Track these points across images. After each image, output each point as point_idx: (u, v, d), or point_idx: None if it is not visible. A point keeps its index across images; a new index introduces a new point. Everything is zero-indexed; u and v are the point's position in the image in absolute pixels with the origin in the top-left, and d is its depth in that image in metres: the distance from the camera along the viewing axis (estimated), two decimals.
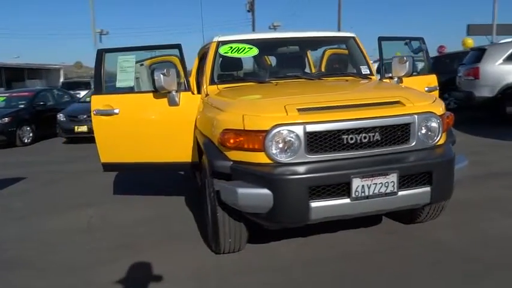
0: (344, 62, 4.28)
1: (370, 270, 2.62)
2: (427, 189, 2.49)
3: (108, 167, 3.92)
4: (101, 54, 3.82)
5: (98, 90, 3.83)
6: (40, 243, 3.47)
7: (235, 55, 3.60)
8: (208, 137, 2.82)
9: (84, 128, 9.23)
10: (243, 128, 2.46)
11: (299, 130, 2.38)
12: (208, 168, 2.78)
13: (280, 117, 2.41)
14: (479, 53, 8.06)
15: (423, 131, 2.57)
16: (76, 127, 9.30)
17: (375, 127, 2.47)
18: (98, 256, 3.12)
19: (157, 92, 3.53)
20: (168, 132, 3.61)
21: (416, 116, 2.53)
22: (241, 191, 2.37)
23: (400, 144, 2.54)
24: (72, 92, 13.22)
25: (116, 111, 3.70)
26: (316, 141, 2.41)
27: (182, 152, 3.63)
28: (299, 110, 2.46)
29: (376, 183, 2.38)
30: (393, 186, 2.41)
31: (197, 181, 3.86)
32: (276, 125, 2.38)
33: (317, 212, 2.35)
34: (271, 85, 3.31)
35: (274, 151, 2.40)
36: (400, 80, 3.72)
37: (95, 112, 3.77)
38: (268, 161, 2.42)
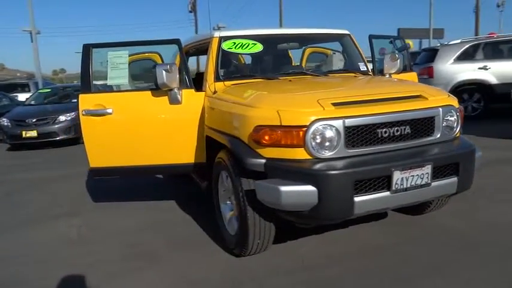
0: (324, 60, 4.34)
1: (400, 261, 2.67)
2: (455, 179, 2.58)
3: (98, 172, 3.61)
4: (87, 49, 3.51)
5: (86, 89, 3.51)
6: (32, 259, 3.10)
7: (240, 51, 3.50)
8: (232, 134, 2.69)
9: (33, 133, 8.51)
10: (279, 124, 2.38)
11: (339, 125, 2.36)
12: (234, 167, 2.67)
13: (318, 112, 2.37)
14: (432, 53, 8.64)
15: (446, 124, 2.67)
16: (24, 132, 8.52)
17: (406, 120, 2.52)
18: (105, 270, 2.85)
19: (158, 89, 3.33)
20: (169, 133, 3.41)
21: (440, 109, 2.62)
22: (285, 189, 2.29)
23: (427, 137, 2.61)
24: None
25: (109, 111, 3.42)
26: (354, 136, 2.41)
27: (184, 153, 3.44)
28: (334, 104, 2.43)
29: (413, 175, 2.42)
30: (427, 177, 2.47)
31: (198, 183, 3.68)
32: (315, 120, 2.33)
33: (360, 206, 2.33)
34: (284, 81, 3.26)
35: (314, 146, 2.35)
36: (390, 76, 3.85)
37: (83, 112, 3.45)
38: (308, 157, 2.37)
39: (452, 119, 2.69)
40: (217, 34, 3.51)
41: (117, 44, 3.59)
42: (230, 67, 3.61)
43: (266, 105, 2.53)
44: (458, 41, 8.49)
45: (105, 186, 5.06)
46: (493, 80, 8.00)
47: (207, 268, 2.76)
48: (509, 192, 3.86)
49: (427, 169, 2.46)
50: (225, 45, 3.45)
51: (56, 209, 4.31)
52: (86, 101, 3.48)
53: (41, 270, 2.92)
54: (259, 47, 3.51)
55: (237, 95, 2.94)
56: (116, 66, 3.50)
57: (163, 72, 3.18)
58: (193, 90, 3.39)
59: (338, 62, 3.99)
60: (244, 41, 3.48)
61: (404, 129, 2.52)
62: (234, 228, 2.84)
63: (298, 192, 2.29)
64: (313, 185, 2.27)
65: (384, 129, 2.46)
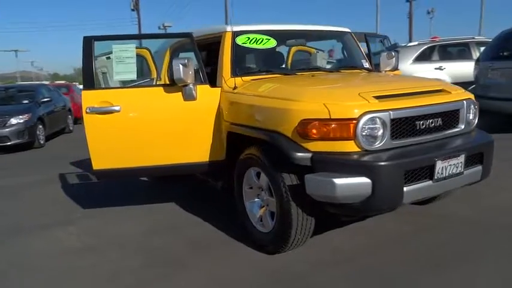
0: (309, 58, 4.43)
1: (429, 249, 2.78)
2: (480, 168, 2.76)
3: (103, 174, 3.37)
4: (89, 42, 3.28)
5: (89, 85, 3.27)
6: (41, 272, 2.81)
7: (254, 46, 3.45)
8: (271, 129, 2.64)
9: None
10: (329, 117, 2.39)
11: (385, 117, 2.42)
12: (272, 162, 2.63)
13: (366, 105, 2.42)
14: None
15: (468, 116, 2.84)
16: None
17: (439, 112, 2.65)
18: (129, 280, 2.66)
19: (172, 85, 3.19)
20: (183, 130, 3.28)
21: (464, 102, 2.80)
22: (340, 181, 2.30)
23: (453, 129, 2.77)
24: None
25: (117, 108, 3.22)
26: (397, 128, 2.48)
27: (199, 151, 3.32)
28: (376, 98, 2.49)
29: (451, 165, 2.55)
30: (461, 166, 2.61)
31: (214, 182, 3.57)
32: (365, 113, 2.37)
33: (408, 195, 2.41)
34: (307, 76, 3.27)
35: (364, 139, 2.39)
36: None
37: (88, 110, 3.21)
38: (357, 149, 2.40)
39: (472, 111, 2.88)
40: (229, 29, 3.44)
41: (121, 37, 3.40)
42: (245, 62, 3.55)
43: (311, 98, 2.53)
44: (416, 43, 9.08)
45: (84, 192, 4.75)
46: (447, 79, 8.64)
47: (239, 268, 2.68)
48: (504, 178, 4.13)
49: (461, 158, 2.60)
50: (239, 40, 3.39)
51: (43, 218, 3.94)
52: (90, 98, 3.24)
53: (58, 284, 2.66)
54: (273, 43, 3.49)
55: (268, 89, 2.89)
56: (122, 60, 3.30)
57: (181, 66, 3.05)
58: (208, 85, 3.29)
59: (322, 60, 4.09)
60: (258, 36, 3.44)
61: (437, 121, 2.65)
62: (269, 225, 2.80)
63: (352, 185, 2.31)
64: (367, 177, 2.30)
65: (422, 121, 2.57)
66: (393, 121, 2.45)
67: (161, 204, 4.05)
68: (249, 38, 3.41)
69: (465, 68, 8.31)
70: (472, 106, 2.87)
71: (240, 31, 3.43)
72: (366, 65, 3.92)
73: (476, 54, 8.73)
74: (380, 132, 2.42)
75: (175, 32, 3.86)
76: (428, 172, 2.48)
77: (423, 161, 2.44)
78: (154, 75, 4.57)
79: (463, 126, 2.80)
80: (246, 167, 2.95)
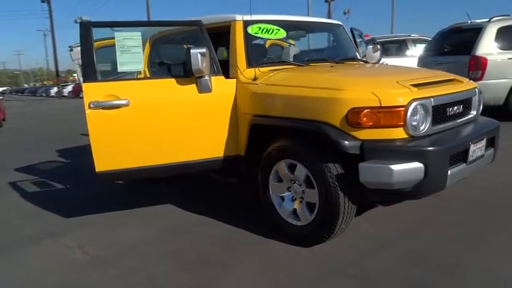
0: (281, 52, 4.50)
1: (455, 228, 2.96)
2: (492, 150, 3.02)
3: (108, 176, 3.04)
4: (87, 28, 2.95)
5: (91, 77, 2.94)
6: None
7: (266, 36, 3.37)
8: (314, 119, 2.60)
9: None
10: (379, 105, 2.42)
11: (429, 104, 2.53)
12: (314, 153, 2.61)
13: (410, 92, 2.50)
14: None
15: (478, 103, 3.09)
16: None
17: (462, 100, 2.84)
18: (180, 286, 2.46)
19: (186, 76, 3.00)
20: (197, 125, 3.10)
21: (476, 90, 3.03)
22: (396, 167, 2.34)
23: (468, 115, 2.98)
24: None
25: (125, 102, 2.93)
26: (436, 114, 2.61)
27: (215, 147, 3.16)
28: (414, 86, 2.59)
29: (477, 148, 2.75)
30: (483, 149, 2.84)
31: (223, 179, 3.41)
32: (412, 100, 2.45)
33: (450, 178, 2.54)
34: (326, 66, 3.28)
35: (412, 125, 2.46)
36: None
37: (91, 105, 2.89)
38: (405, 136, 2.47)
39: (480, 99, 3.13)
40: (239, 18, 3.31)
41: (122, 24, 3.08)
42: (259, 53, 3.44)
43: (358, 87, 2.54)
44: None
45: (52, 200, 4.26)
46: None
47: (287, 263, 2.61)
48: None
49: (484, 142, 2.82)
50: (252, 30, 3.28)
51: (24, 229, 3.44)
52: (93, 91, 2.91)
53: None
54: (283, 33, 3.44)
55: (303, 80, 2.85)
56: (127, 49, 3.01)
57: (199, 56, 2.88)
58: (223, 77, 3.14)
59: (294, 53, 4.17)
60: (269, 26, 3.36)
61: (460, 107, 2.84)
62: (307, 218, 2.76)
63: (408, 170, 2.36)
64: (420, 162, 2.38)
65: (451, 108, 2.74)
66: (433, 108, 2.57)
67: (158, 206, 3.79)
68: (260, 28, 3.32)
69: (403, 64, 9.02)
70: (479, 94, 3.13)
71: (251, 20, 3.32)
72: (359, 57, 4.06)
73: (412, 50, 9.53)
74: (424, 118, 2.52)
75: (183, 20, 3.54)
76: (463, 155, 2.65)
77: (462, 145, 2.60)
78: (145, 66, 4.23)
79: (474, 113, 3.03)
80: (276, 160, 2.88)
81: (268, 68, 3.21)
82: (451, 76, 3.07)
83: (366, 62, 3.98)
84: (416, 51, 9.19)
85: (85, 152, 6.79)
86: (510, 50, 6.44)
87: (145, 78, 3.10)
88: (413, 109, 2.45)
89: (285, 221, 2.92)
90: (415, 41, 9.47)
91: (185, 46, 3.21)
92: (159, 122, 3.03)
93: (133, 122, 2.98)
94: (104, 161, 2.99)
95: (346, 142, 2.46)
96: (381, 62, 4.34)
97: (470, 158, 2.69)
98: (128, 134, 2.99)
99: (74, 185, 4.81)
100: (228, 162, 3.23)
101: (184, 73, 3.03)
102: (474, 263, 2.47)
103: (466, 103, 2.91)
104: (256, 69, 3.15)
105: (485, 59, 6.30)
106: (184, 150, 3.11)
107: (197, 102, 3.07)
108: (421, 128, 2.51)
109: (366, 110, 2.43)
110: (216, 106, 3.11)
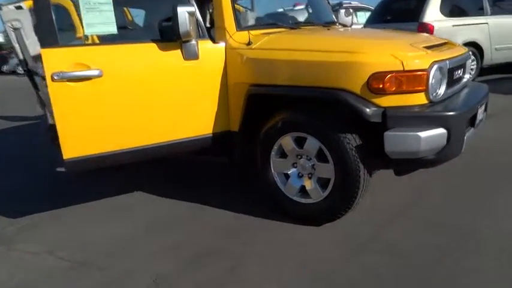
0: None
1: (471, 187, 3.02)
2: (485, 114, 3.10)
3: (78, 164, 2.57)
4: None
5: (51, 41, 2.42)
6: None
7: None
8: (328, 87, 2.40)
9: None
10: (402, 69, 2.30)
11: (445, 67, 2.47)
12: (329, 123, 2.44)
13: (429, 55, 2.41)
14: None
15: (470, 67, 3.13)
16: None
17: (463, 63, 2.84)
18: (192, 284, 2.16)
19: (174, 40, 2.61)
20: (183, 97, 2.74)
21: (470, 53, 3.07)
22: (424, 134, 2.26)
23: (464, 79, 3.00)
24: None
25: (97, 72, 2.48)
26: (448, 78, 2.56)
27: (203, 122, 2.84)
28: (427, 48, 2.52)
29: (481, 112, 2.79)
30: (484, 113, 2.89)
31: (212, 159, 3.09)
32: (433, 63, 2.36)
33: (465, 144, 2.54)
34: (323, 29, 3.07)
35: (433, 90, 2.39)
36: None
37: (56, 77, 2.39)
38: (425, 101, 2.38)
39: (471, 63, 3.18)
40: None
41: None
42: (246, 15, 3.11)
43: (378, 50, 2.38)
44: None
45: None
46: None
47: (307, 247, 2.43)
48: None
49: (484, 106, 2.87)
50: None
51: None
52: (55, 60, 2.41)
53: None
54: None
55: (312, 43, 2.62)
56: (94, 7, 2.51)
57: (187, 16, 2.50)
58: (210, 41, 2.79)
59: (251, 19, 3.96)
60: None
61: (461, 71, 2.85)
62: (319, 194, 2.60)
63: (434, 137, 2.29)
64: (443, 127, 2.32)
65: (456, 71, 2.72)
66: (449, 71, 2.52)
67: (135, 195, 3.37)
68: None
69: None
70: (471, 58, 3.17)
71: None
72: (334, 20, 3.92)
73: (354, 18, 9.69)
74: (441, 82, 2.46)
75: None
76: (472, 120, 2.66)
77: (474, 109, 2.60)
78: (80, 32, 3.64)
79: (468, 76, 3.07)
80: (280, 134, 2.65)
81: (260, 31, 2.92)
82: (445, 40, 3.06)
83: (346, 26, 3.85)
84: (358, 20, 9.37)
85: (20, 132, 5.93)
86: (454, 17, 6.81)
87: (121, 42, 2.62)
88: (435, 72, 2.37)
89: (291, 200, 2.73)
90: (355, 9, 9.63)
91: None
92: (138, 95, 2.61)
93: (108, 97, 2.53)
94: (74, 145, 2.52)
95: (368, 110, 2.31)
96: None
97: (477, 122, 2.72)
98: (103, 111, 2.54)
99: (11, 176, 4.11)
100: (217, 140, 2.93)
101: (168, 36, 2.63)
102: (489, 226, 2.53)
103: (464, 66, 2.92)
104: (248, 32, 2.84)
105: (433, 26, 6.58)
106: (170, 129, 2.74)
107: (182, 71, 2.70)
108: (439, 92, 2.46)
109: (390, 75, 2.29)
110: (203, 75, 2.76)
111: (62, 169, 2.58)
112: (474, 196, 2.95)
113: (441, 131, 2.32)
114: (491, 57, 7.04)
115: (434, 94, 2.40)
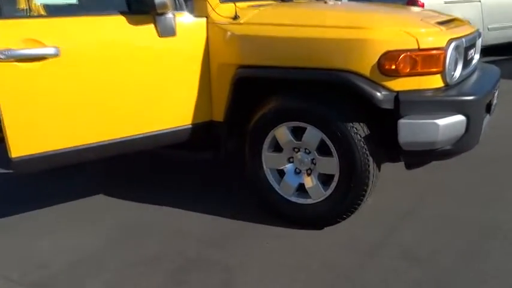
0: None
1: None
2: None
3: (29, 164, 2.34)
4: None
5: None
6: None
7: None
8: (332, 68, 2.30)
9: None
10: (417, 47, 2.22)
11: (462, 45, 2.40)
12: (334, 112, 2.34)
13: (444, 32, 2.33)
14: None
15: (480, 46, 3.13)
16: None
17: (475, 42, 2.83)
18: None
19: (147, 12, 2.45)
20: (158, 83, 2.55)
21: (480, 32, 3.06)
22: (442, 122, 2.17)
23: (475, 59, 3.00)
24: None
25: (52, 51, 2.26)
26: (464, 57, 2.53)
27: (182, 112, 2.66)
28: (439, 24, 2.47)
29: (495, 97, 2.78)
30: (496, 96, 2.89)
31: (190, 155, 2.92)
32: (450, 40, 2.26)
33: (483, 132, 2.52)
34: (320, 2, 2.97)
35: (449, 71, 2.28)
36: None
37: (1, 56, 2.15)
38: (442, 84, 2.29)
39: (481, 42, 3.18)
40: None
41: None
42: None
43: (388, 26, 2.27)
44: None
45: None
46: None
47: (312, 253, 2.32)
48: None
49: (497, 88, 2.88)
50: None
51: None
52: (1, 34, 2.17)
53: None
54: None
55: (311, 18, 2.49)
56: None
57: None
58: (190, 15, 2.63)
59: None
60: None
61: (474, 50, 2.83)
62: (320, 193, 2.49)
63: (452, 124, 2.19)
64: (462, 114, 2.24)
65: (470, 51, 2.70)
66: (464, 50, 2.49)
67: (93, 200, 3.12)
68: None
69: None
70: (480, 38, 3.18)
71: None
72: None
73: None
74: (458, 62, 2.41)
75: None
76: (488, 106, 2.64)
77: (491, 94, 2.57)
78: (23, 4, 3.37)
79: (478, 57, 3.08)
80: (274, 123, 2.53)
81: (248, 3, 2.78)
82: (453, 16, 3.04)
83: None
84: None
85: None
86: None
87: (82, 14, 2.41)
88: (452, 51, 2.31)
89: (287, 200, 2.59)
90: None
91: None
92: (103, 79, 2.38)
93: (66, 81, 2.31)
94: (23, 141, 2.28)
95: (379, 95, 2.21)
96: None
97: (492, 108, 2.70)
98: (59, 98, 2.31)
99: None
100: (198, 132, 2.77)
101: (138, 8, 2.45)
102: (509, 221, 2.51)
103: (475, 47, 2.91)
104: (233, 4, 2.67)
105: (423, 3, 6.66)
106: (141, 119, 2.53)
107: (156, 51, 2.50)
108: (455, 74, 2.37)
109: (404, 54, 2.19)
110: (181, 56, 2.57)
111: (10, 170, 2.35)
112: (487, 189, 2.91)
113: (460, 118, 2.23)
114: (483, 37, 7.21)
115: (451, 76, 2.30)
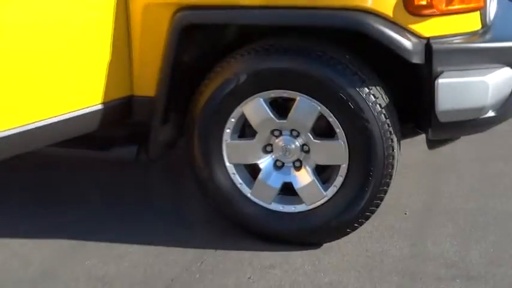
0: None
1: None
2: None
3: None
4: None
5: None
6: None
7: None
8: (344, 7, 2.03)
9: None
10: None
11: None
12: (343, 71, 2.10)
13: None
14: None
15: None
16: None
17: None
18: None
19: None
20: (49, 42, 2.08)
21: None
22: (492, 80, 2.05)
23: None
24: None
25: None
26: None
27: (86, 87, 2.22)
28: None
29: None
30: None
31: (108, 151, 2.46)
32: None
33: None
34: None
35: (489, 7, 2.20)
36: None
37: None
38: (479, 27, 2.15)
39: None
40: None
41: None
42: None
43: None
44: None
45: None
46: None
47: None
48: None
49: None
50: None
51: None
52: None
53: None
54: None
55: None
56: None
57: None
58: None
59: None
60: None
61: None
62: (318, 195, 2.25)
63: (503, 82, 2.12)
64: (510, 67, 2.12)
65: None
66: None
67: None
68: None
69: None
70: None
71: None
72: None
73: None
74: None
75: None
76: None
77: None
78: None
79: None
80: (242, 95, 2.17)
81: None
82: None
83: None
84: None
85: None
86: None
87: None
88: None
89: (265, 210, 2.28)
90: None
91: None
92: (27, 47, 2.04)
93: None
94: None
95: (408, 43, 1.97)
96: None
97: None
98: None
99: None
100: (111, 117, 2.35)
101: None
102: None
103: None
104: None
105: None
106: (51, 98, 2.14)
107: (80, 12, 2.13)
108: (493, 11, 2.28)
109: None
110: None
111: None
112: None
113: (509, 72, 2.13)
114: None
115: (489, 13, 2.21)
